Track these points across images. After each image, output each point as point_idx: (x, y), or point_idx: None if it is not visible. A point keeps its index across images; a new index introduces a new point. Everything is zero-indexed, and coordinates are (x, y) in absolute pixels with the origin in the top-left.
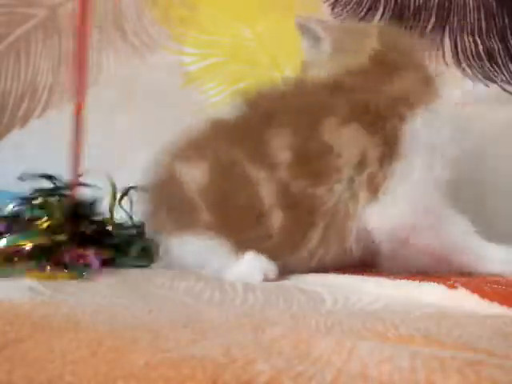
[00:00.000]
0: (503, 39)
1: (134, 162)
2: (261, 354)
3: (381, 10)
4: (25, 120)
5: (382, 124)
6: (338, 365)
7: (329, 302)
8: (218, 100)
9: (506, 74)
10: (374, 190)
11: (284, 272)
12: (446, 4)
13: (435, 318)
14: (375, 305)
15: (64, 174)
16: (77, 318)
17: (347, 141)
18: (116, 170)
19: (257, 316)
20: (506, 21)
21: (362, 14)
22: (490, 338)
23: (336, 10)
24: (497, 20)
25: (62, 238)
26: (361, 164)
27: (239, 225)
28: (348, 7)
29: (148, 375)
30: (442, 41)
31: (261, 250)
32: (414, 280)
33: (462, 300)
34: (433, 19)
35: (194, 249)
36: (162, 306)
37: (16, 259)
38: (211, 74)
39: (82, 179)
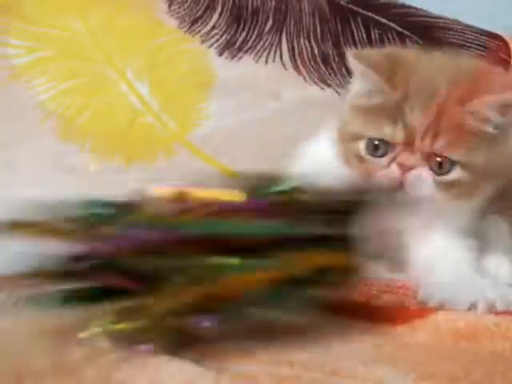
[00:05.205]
0: (337, 44)
1: None
2: None
3: (219, 9)
4: None
5: None
6: None
7: None
8: (48, 97)
9: (340, 78)
10: None
11: None
12: (283, 7)
13: None
14: None
15: None
16: None
17: None
18: None
19: None
20: (339, 27)
21: (200, 12)
22: None
23: (173, 8)
24: (330, 26)
25: None
26: None
27: None
28: (185, 5)
29: None
30: (279, 43)
31: None
32: None
33: None
34: (270, 21)
35: None
36: None
37: None
38: (40, 68)
39: None
